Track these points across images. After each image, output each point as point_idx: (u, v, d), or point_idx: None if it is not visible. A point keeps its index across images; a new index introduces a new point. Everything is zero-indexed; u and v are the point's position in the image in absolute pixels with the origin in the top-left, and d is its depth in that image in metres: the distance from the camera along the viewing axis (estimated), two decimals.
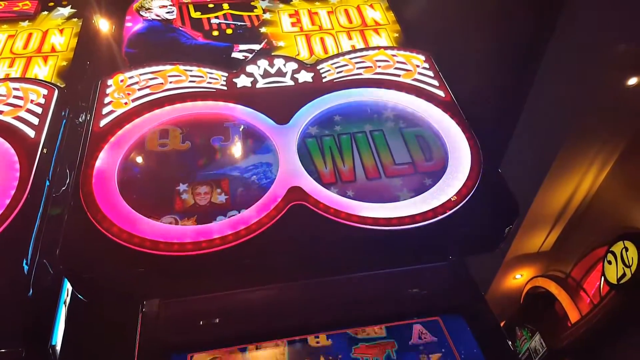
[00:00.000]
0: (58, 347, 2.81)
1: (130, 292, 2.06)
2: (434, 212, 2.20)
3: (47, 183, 2.79)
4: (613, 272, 6.25)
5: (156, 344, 1.90)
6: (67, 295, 3.03)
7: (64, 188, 2.92)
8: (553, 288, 7.86)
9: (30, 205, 2.38)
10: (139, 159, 2.42)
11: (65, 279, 2.75)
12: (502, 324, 2.06)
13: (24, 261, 2.26)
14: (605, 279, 6.40)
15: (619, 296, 6.25)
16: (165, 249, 2.05)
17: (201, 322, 1.98)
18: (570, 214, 7.34)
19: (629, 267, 6.00)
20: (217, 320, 1.99)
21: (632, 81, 5.52)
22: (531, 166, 6.30)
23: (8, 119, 2.66)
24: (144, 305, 2.00)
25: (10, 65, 3.17)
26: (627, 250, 6.04)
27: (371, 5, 3.60)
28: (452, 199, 2.23)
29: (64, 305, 2.90)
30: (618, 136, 6.27)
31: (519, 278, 8.68)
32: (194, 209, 2.20)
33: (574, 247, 7.58)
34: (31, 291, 2.44)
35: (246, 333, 2.00)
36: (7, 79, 3.02)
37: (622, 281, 6.10)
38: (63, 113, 2.87)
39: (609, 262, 6.33)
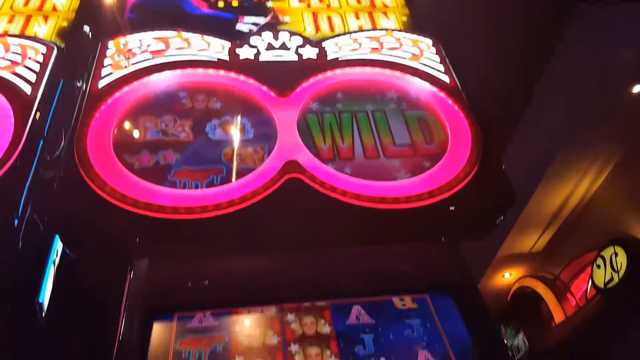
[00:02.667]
0: (45, 305, 2.81)
1: (120, 252, 2.05)
2: (430, 194, 2.19)
3: (42, 143, 2.76)
4: (601, 276, 6.28)
5: (143, 303, 1.89)
6: (57, 256, 3.02)
7: (57, 153, 2.90)
8: (540, 289, 7.90)
9: (23, 161, 2.36)
10: (136, 122, 2.39)
11: (55, 238, 2.74)
12: None
13: (14, 215, 2.24)
14: (593, 283, 6.43)
15: (604, 300, 6.29)
16: (157, 211, 2.03)
17: (189, 284, 1.97)
18: (564, 217, 7.38)
19: (617, 272, 6.03)
20: (206, 283, 1.98)
21: (637, 89, 5.52)
22: (529, 167, 6.31)
23: (5, 73, 2.62)
24: (132, 266, 1.99)
25: (10, 22, 3.12)
26: (616, 255, 6.07)
27: None
28: (448, 187, 2.22)
29: (52, 265, 2.89)
30: (618, 144, 6.28)
31: (508, 277, 8.73)
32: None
33: (565, 250, 7.62)
34: (20, 244, 2.43)
35: (232, 298, 1.99)
36: (6, 34, 2.97)
37: (609, 285, 6.14)
38: (61, 73, 2.83)
39: (598, 266, 6.36)
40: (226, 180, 2.17)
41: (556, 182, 6.68)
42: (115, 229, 2.05)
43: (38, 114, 2.59)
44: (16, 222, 2.38)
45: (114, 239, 2.06)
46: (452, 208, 2.19)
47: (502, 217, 2.29)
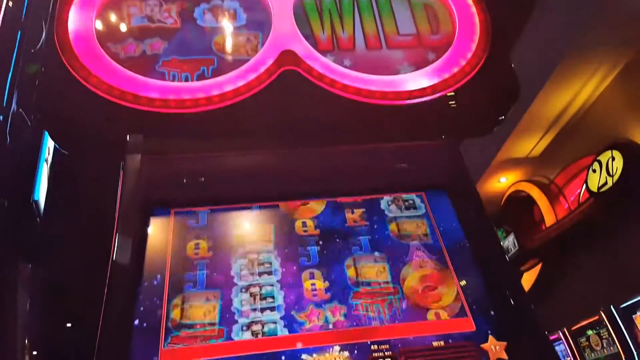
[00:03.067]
0: (42, 203, 2.81)
1: (111, 147, 1.98)
2: (434, 88, 2.09)
3: (20, 33, 2.59)
4: (595, 181, 6.32)
5: (138, 198, 1.86)
6: (49, 154, 2.97)
7: (40, 45, 2.73)
8: (535, 192, 8.04)
9: (1, 52, 2.22)
10: (119, 6, 2.21)
11: (45, 135, 2.67)
12: None
13: None
14: (587, 187, 6.49)
15: (595, 203, 6.38)
16: (146, 104, 1.94)
17: (185, 180, 1.93)
18: (565, 122, 7.30)
19: (612, 176, 6.06)
20: (202, 180, 1.94)
21: None
22: (534, 68, 6.11)
23: None
24: (125, 161, 1.93)
25: None
26: (613, 159, 6.06)
27: None
28: (453, 82, 2.10)
29: (45, 163, 2.86)
30: (626, 46, 6.03)
31: (504, 182, 8.85)
32: None
33: (563, 155, 7.64)
34: (8, 140, 2.37)
35: (231, 194, 1.97)
36: None
37: (602, 189, 6.20)
38: None
39: (594, 171, 6.38)
40: (218, 72, 2.05)
41: (560, 85, 6.52)
42: (103, 123, 1.97)
43: (11, 2, 2.40)
44: (0, 117, 2.30)
45: (103, 133, 1.99)
46: (452, 104, 2.11)
47: (505, 114, 2.22)
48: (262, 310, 1.66)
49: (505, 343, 1.59)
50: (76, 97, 1.97)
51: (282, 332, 1.60)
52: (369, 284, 1.75)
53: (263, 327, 1.61)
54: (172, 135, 2.02)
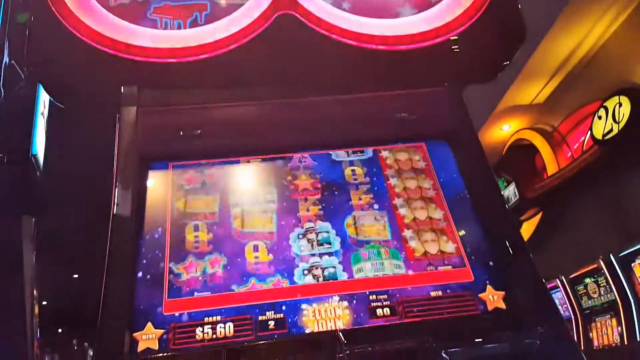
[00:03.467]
0: (40, 157, 2.80)
1: (105, 98, 1.94)
2: (437, 32, 2.02)
3: None
4: (600, 128, 6.18)
5: (135, 152, 1.84)
6: (45, 107, 2.93)
7: None
8: (537, 140, 7.94)
9: None
10: None
11: (39, 88, 2.62)
12: None
13: None
14: (591, 134, 6.37)
15: (599, 151, 6.29)
16: (139, 54, 1.89)
17: (181, 133, 1.90)
18: (572, 67, 7.10)
19: (618, 123, 5.93)
20: (198, 132, 1.90)
21: None
22: (540, 9, 5.87)
23: None
24: (120, 112, 1.90)
25: None
26: (620, 105, 5.91)
27: None
28: (457, 24, 2.02)
29: (41, 116, 2.82)
30: None
31: (507, 130, 8.74)
32: None
33: (569, 102, 7.48)
34: (2, 93, 2.32)
35: (228, 146, 1.94)
36: None
37: (607, 137, 6.09)
38: None
39: (599, 117, 6.24)
40: (211, 18, 1.98)
41: (567, 28, 6.27)
42: (96, 74, 1.92)
43: None
44: None
45: (96, 85, 1.94)
46: (456, 48, 2.04)
47: (511, 58, 2.15)
48: (259, 264, 1.67)
49: (503, 292, 1.61)
50: (67, 47, 1.92)
51: (282, 284, 1.62)
52: (368, 242, 1.75)
53: (262, 279, 1.63)
54: (166, 85, 1.97)
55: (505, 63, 2.16)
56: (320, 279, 1.62)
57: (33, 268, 2.88)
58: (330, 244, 1.71)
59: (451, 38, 2.02)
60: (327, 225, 1.76)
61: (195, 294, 1.58)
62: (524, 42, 2.10)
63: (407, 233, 1.75)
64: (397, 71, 2.04)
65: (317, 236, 1.73)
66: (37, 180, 2.87)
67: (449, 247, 1.73)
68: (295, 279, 1.62)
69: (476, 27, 2.04)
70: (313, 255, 1.68)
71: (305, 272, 1.63)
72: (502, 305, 1.58)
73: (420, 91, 2.05)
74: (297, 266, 1.65)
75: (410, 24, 2.03)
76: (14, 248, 2.65)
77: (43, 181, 2.92)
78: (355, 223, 1.78)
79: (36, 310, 2.91)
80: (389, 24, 2.02)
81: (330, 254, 1.69)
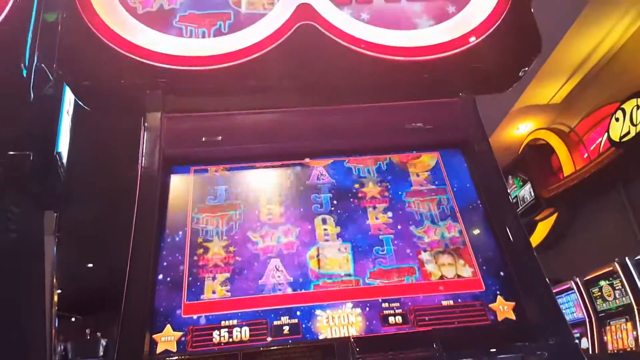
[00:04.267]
0: (65, 155, 2.89)
1: (131, 103, 2.01)
2: (453, 44, 2.05)
3: None
4: (618, 129, 6.14)
5: (159, 155, 1.90)
6: (70, 105, 3.01)
7: None
8: (554, 140, 7.89)
9: (23, 6, 2.21)
10: None
11: (65, 88, 2.70)
12: None
13: (22, 65, 2.17)
14: (608, 136, 6.33)
15: (616, 153, 6.25)
16: (164, 61, 1.95)
17: (204, 139, 1.96)
18: (590, 67, 7.03)
19: (635, 125, 5.89)
20: (219, 139, 1.97)
21: None
22: (559, 11, 5.82)
23: None
24: (145, 118, 1.97)
25: None
26: (638, 108, 5.86)
27: None
28: (473, 36, 2.06)
29: (66, 114, 2.90)
30: None
31: (523, 129, 8.68)
32: None
33: (586, 102, 7.41)
34: (32, 95, 2.41)
35: (248, 152, 2.00)
36: None
37: (624, 139, 6.05)
38: None
39: (617, 119, 6.20)
40: (234, 27, 2.03)
41: (586, 28, 6.21)
42: (122, 79, 1.99)
43: None
44: (24, 72, 2.32)
45: (122, 89, 2.02)
46: (472, 59, 2.07)
47: (527, 68, 2.17)
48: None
49: (513, 303, 1.64)
50: (96, 53, 1.99)
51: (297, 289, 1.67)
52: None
53: (277, 284, 1.69)
54: (190, 92, 2.04)
55: (520, 74, 2.17)
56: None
57: (54, 261, 2.99)
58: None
59: (468, 49, 2.05)
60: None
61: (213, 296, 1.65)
62: (540, 53, 2.11)
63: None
64: (414, 81, 2.08)
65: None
66: (61, 176, 2.96)
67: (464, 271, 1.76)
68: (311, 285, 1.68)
69: (493, 38, 2.07)
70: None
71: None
72: (512, 316, 1.62)
73: (436, 101, 2.09)
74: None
75: (427, 35, 2.07)
76: (36, 241, 2.75)
77: (66, 177, 3.01)
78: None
79: (55, 298, 3.02)
80: (407, 35, 2.06)
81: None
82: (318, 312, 1.61)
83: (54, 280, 2.93)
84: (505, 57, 2.12)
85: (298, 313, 1.61)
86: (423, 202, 1.91)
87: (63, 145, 2.86)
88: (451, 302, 1.64)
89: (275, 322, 1.58)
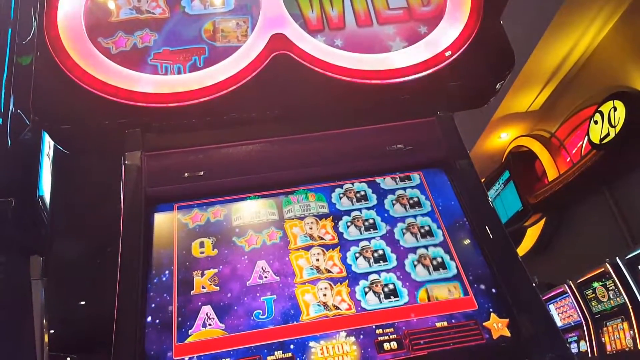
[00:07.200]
0: (47, 198, 2.85)
1: (110, 144, 2.00)
2: (427, 64, 2.08)
3: (10, 30, 2.57)
4: (597, 132, 6.24)
5: (140, 194, 1.88)
6: (50, 148, 2.99)
7: (29, 37, 2.70)
8: (536, 147, 8.00)
9: None
10: (109, 2, 2.17)
11: (44, 134, 2.68)
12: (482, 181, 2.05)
13: None
14: (589, 139, 6.43)
15: (597, 155, 6.34)
16: (141, 100, 1.95)
17: (186, 175, 1.95)
18: (565, 73, 7.18)
19: (614, 127, 5.99)
20: (202, 173, 1.96)
21: None
22: (531, 19, 5.96)
23: None
24: (125, 157, 1.95)
25: None
26: (615, 110, 5.97)
27: None
28: (447, 55, 2.09)
29: (46, 157, 2.87)
30: None
31: (505, 138, 8.80)
32: None
33: (564, 107, 7.56)
34: (10, 142, 2.38)
35: (231, 185, 1.99)
36: None
37: (604, 141, 6.14)
38: None
39: (595, 122, 6.30)
40: (209, 61, 2.04)
41: (558, 35, 6.36)
42: (100, 121, 1.98)
43: None
44: (0, 120, 2.31)
45: (100, 130, 2.00)
46: (446, 78, 2.09)
47: (502, 82, 2.20)
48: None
49: (507, 320, 1.63)
50: (71, 96, 1.98)
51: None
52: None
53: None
54: (169, 129, 2.03)
55: (497, 87, 2.20)
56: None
57: (42, 304, 2.93)
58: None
59: (441, 68, 2.07)
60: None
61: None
62: (513, 67, 2.15)
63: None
64: (390, 104, 2.10)
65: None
66: (44, 220, 2.92)
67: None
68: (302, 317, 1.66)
69: (465, 56, 2.10)
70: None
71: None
72: (507, 333, 1.61)
73: (415, 122, 2.10)
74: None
75: (401, 57, 2.09)
76: (23, 287, 2.70)
77: (50, 220, 2.97)
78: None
79: (46, 339, 2.97)
80: (380, 59, 2.08)
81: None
82: (312, 344, 1.58)
83: (44, 322, 2.87)
84: (479, 73, 2.15)
85: (292, 347, 1.58)
86: (410, 224, 1.90)
87: (45, 188, 2.83)
88: (445, 323, 1.63)
89: (269, 358, 1.56)
